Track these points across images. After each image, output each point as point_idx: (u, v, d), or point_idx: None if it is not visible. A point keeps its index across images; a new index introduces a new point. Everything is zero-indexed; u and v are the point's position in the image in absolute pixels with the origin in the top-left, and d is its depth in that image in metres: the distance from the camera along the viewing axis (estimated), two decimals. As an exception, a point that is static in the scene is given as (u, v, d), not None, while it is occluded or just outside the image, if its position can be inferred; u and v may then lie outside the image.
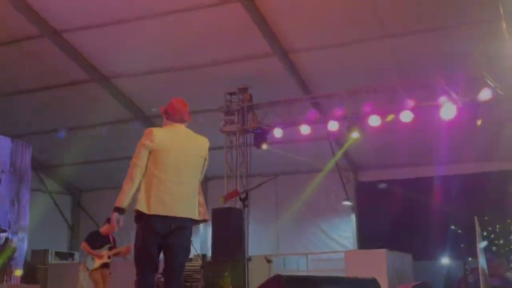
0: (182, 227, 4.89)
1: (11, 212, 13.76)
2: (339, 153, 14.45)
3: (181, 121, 5.16)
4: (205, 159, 5.21)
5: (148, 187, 4.87)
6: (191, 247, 11.64)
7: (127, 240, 14.07)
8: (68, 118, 15.05)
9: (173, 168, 4.94)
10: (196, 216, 5.01)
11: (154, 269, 4.90)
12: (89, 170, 16.97)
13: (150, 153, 4.93)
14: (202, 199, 5.14)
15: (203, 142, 5.26)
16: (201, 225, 16.49)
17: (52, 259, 15.75)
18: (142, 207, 4.80)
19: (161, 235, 4.83)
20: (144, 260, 4.86)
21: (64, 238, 17.75)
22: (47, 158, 16.99)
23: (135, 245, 4.94)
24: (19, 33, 12.46)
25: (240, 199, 6.39)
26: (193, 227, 5.13)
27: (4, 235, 13.26)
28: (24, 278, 13.58)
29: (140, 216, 4.83)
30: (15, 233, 13.71)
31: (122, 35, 12.39)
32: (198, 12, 11.55)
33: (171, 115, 5.16)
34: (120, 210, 4.80)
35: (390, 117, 11.85)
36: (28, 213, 14.25)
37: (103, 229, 9.60)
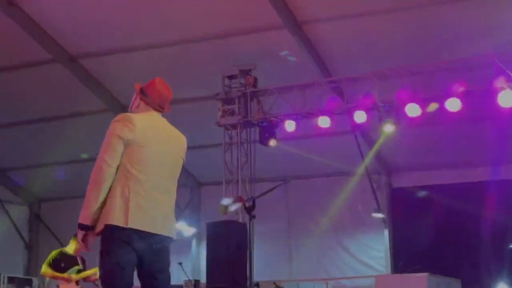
0: (163, 248, 4.83)
1: None
2: (371, 153, 14.48)
3: (160, 108, 5.00)
4: (183, 160, 5.11)
5: (124, 192, 4.60)
6: (181, 270, 11.74)
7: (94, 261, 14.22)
8: (27, 111, 15.25)
9: (157, 169, 4.77)
10: (173, 235, 4.91)
11: None
12: (51, 174, 17.06)
13: (126, 145, 4.65)
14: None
15: (184, 141, 5.11)
16: (193, 244, 16.71)
17: (4, 287, 15.82)
18: (117, 219, 4.52)
19: (138, 256, 4.64)
20: (117, 286, 4.61)
21: (19, 259, 17.92)
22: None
23: (103, 267, 4.60)
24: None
25: (245, 208, 6.30)
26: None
27: None
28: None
29: (112, 230, 4.54)
30: None
31: (97, 5, 12.56)
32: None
33: (150, 98, 4.98)
34: (86, 228, 4.58)
35: (433, 106, 11.90)
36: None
37: (70, 247, 9.68)
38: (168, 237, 4.84)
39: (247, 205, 6.20)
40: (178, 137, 5.06)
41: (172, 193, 4.93)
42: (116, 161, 4.58)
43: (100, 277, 4.67)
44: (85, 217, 4.55)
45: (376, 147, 14.31)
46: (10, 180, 17.95)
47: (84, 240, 4.58)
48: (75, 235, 9.70)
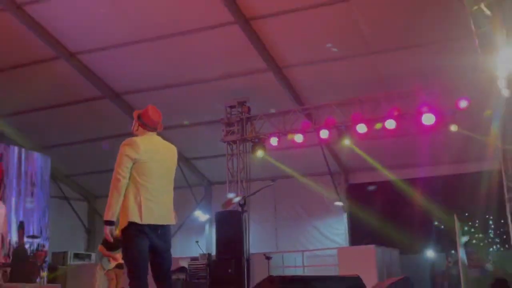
0: (166, 233, 4.81)
1: (43, 221, 13.86)
2: (330, 158, 14.47)
3: (154, 130, 4.97)
4: (176, 164, 5.09)
5: (136, 197, 4.64)
6: (198, 246, 11.67)
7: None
8: (84, 132, 15.15)
9: (158, 178, 4.78)
10: (173, 222, 4.90)
11: (145, 275, 4.67)
12: (103, 178, 16.97)
13: (135, 163, 4.68)
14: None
15: (175, 151, 5.07)
16: (207, 227, 16.68)
17: (71, 260, 15.78)
18: (135, 217, 4.59)
19: (151, 244, 4.68)
20: (142, 266, 4.64)
21: (82, 240, 17.80)
22: (65, 168, 17.06)
23: (127, 253, 4.70)
24: (38, 54, 12.60)
25: (239, 205, 6.46)
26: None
27: (36, 241, 13.42)
28: (47, 278, 13.69)
29: (130, 226, 4.60)
30: (47, 239, 13.91)
31: (132, 55, 12.52)
32: (201, 33, 11.71)
33: (145, 123, 4.94)
34: (111, 223, 4.67)
35: (378, 125, 11.98)
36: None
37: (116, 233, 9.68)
38: (169, 225, 4.87)
39: (240, 203, 6.30)
40: (171, 149, 5.04)
41: (171, 193, 4.94)
42: (127, 174, 4.65)
43: (125, 259, 4.76)
44: (109, 216, 4.64)
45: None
46: (74, 183, 17.87)
47: (111, 233, 4.67)
48: (119, 222, 9.77)
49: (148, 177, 4.70)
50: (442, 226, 18.85)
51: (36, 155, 14.29)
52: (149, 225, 4.63)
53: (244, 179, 13.34)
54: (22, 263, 12.89)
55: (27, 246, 13.40)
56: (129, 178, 4.66)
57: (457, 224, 11.64)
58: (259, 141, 13.05)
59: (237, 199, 7.47)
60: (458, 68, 10.60)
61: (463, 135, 11.70)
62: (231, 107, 13.33)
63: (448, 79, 11.20)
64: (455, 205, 14.15)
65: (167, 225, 4.80)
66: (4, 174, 13.36)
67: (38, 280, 12.93)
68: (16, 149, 13.77)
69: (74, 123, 14.73)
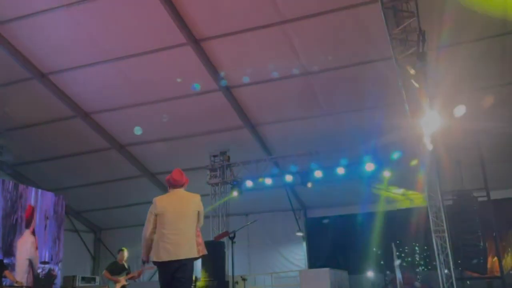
0: (184, 265, 4.95)
1: (53, 249, 13.37)
2: (291, 197, 14.40)
3: (179, 186, 5.22)
4: (199, 211, 5.24)
5: (157, 241, 4.97)
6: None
7: (137, 267, 13.76)
8: (93, 177, 14.81)
9: (171, 224, 4.97)
10: (195, 255, 5.05)
11: None
12: (107, 214, 16.62)
13: (156, 216, 5.02)
14: (200, 240, 5.16)
15: (195, 198, 5.27)
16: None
17: (79, 283, 15.14)
18: (155, 257, 4.96)
19: (170, 273, 4.92)
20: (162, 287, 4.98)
21: (88, 266, 17.18)
22: (76, 206, 16.59)
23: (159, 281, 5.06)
24: (57, 114, 12.41)
25: (230, 238, 6.42)
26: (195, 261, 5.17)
27: (47, 266, 12.84)
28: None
29: (155, 263, 4.99)
30: (56, 263, 13.37)
31: (138, 114, 12.37)
32: (192, 98, 11.70)
33: (171, 184, 5.22)
34: (144, 262, 5.20)
35: (332, 171, 12.07)
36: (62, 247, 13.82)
37: (118, 258, 9.37)
38: (187, 258, 5.00)
39: (230, 236, 6.33)
40: (191, 199, 5.24)
41: (189, 232, 5.05)
42: (152, 227, 5.03)
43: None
44: (143, 256, 5.13)
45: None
46: (83, 218, 17.34)
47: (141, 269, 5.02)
48: (119, 250, 9.46)
49: (165, 225, 4.95)
50: (379, 252, 18.85)
51: (50, 194, 13.85)
52: (167, 262, 4.89)
53: (224, 214, 13.15)
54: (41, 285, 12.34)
55: (39, 270, 12.85)
56: (156, 229, 5.01)
57: (393, 250, 11.66)
58: (237, 183, 12.98)
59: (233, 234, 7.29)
60: (392, 127, 10.83)
61: (396, 179, 11.83)
62: (214, 156, 13.30)
63: (385, 135, 11.30)
64: (390, 235, 14.13)
65: (185, 259, 4.95)
66: (34, 212, 13.00)
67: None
68: (33, 189, 13.41)
69: (85, 169, 14.43)
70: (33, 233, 12.85)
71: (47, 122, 12.59)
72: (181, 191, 5.21)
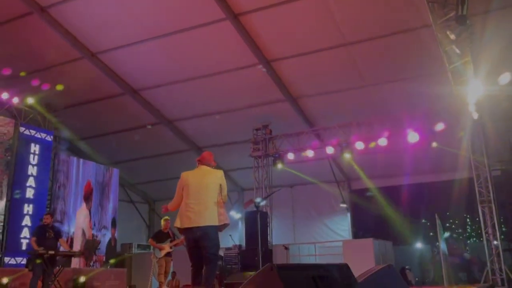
0: (205, 233, 5.09)
1: (95, 215, 13.71)
2: (336, 169, 14.20)
3: (208, 164, 5.44)
4: (220, 184, 5.34)
5: (181, 210, 5.20)
6: (231, 239, 11.63)
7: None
8: (145, 151, 15.24)
9: (194, 195, 5.18)
10: (215, 223, 5.15)
11: (195, 263, 5.14)
12: (159, 186, 17.15)
13: (183, 189, 5.26)
14: (222, 210, 5.25)
15: (218, 173, 5.40)
16: (240, 223, 16.59)
17: (135, 250, 15.84)
18: (177, 223, 5.18)
19: (193, 240, 5.10)
20: (189, 258, 5.19)
21: (144, 234, 17.82)
22: (131, 178, 17.23)
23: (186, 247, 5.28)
24: (108, 92, 12.79)
25: (255, 205, 6.46)
26: (224, 228, 5.27)
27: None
28: (116, 265, 13.72)
29: (179, 229, 5.20)
30: (98, 230, 13.70)
31: (183, 90, 12.55)
32: (234, 73, 11.71)
33: (201, 161, 5.44)
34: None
35: (372, 144, 11.79)
36: (111, 216, 14.25)
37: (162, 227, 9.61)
38: (209, 226, 5.10)
39: (256, 204, 6.37)
40: (213, 174, 5.38)
41: (208, 203, 5.16)
42: (179, 198, 5.27)
43: None
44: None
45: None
46: (139, 190, 17.96)
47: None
48: (164, 219, 9.72)
49: (188, 195, 5.18)
50: (428, 223, 18.42)
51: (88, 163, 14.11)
52: (188, 228, 5.06)
53: (267, 185, 13.21)
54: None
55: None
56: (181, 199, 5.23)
57: (438, 222, 11.30)
58: (279, 156, 12.95)
59: (259, 200, 7.45)
60: (435, 97, 10.38)
61: (440, 150, 11.38)
62: (257, 129, 13.30)
63: (428, 105, 10.97)
64: (437, 206, 13.72)
65: (206, 226, 5.07)
66: (93, 189, 13.58)
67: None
68: (93, 163, 13.98)
69: (137, 144, 14.77)
70: (89, 208, 13.44)
71: (100, 100, 13.01)
72: (205, 167, 5.40)
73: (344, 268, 3.17)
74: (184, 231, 5.13)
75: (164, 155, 15.20)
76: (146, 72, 12.08)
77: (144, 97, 13.02)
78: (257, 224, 11.50)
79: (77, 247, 12.53)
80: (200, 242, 5.08)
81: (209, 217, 5.13)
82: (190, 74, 11.95)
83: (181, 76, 12.06)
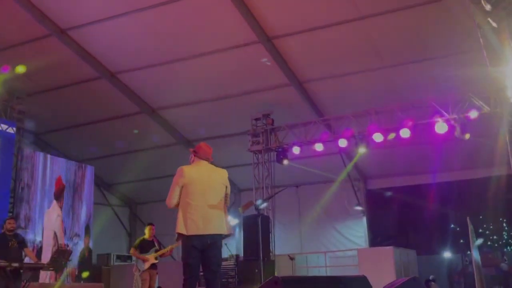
0: (214, 242, 5.11)
1: (66, 221, 13.53)
2: (349, 165, 14.26)
3: (207, 159, 5.37)
4: (226, 186, 5.38)
5: (184, 213, 5.07)
6: (227, 248, 11.65)
7: (170, 241, 14.20)
8: (124, 144, 15.19)
9: (200, 195, 5.12)
10: (224, 231, 5.22)
11: (195, 277, 5.10)
12: (142, 186, 17.10)
13: (182, 186, 5.14)
14: (227, 217, 5.36)
15: (223, 173, 5.41)
16: (237, 230, 16.58)
17: (113, 261, 15.83)
18: (182, 229, 5.03)
19: (199, 249, 5.06)
20: (188, 270, 5.06)
21: (124, 243, 17.86)
22: (108, 178, 17.20)
23: (182, 258, 5.14)
24: (81, 76, 12.68)
25: (255, 208, 6.44)
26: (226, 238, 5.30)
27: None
28: (91, 279, 13.68)
29: (181, 236, 5.06)
30: (70, 238, 13.57)
31: (165, 74, 12.50)
32: (228, 52, 11.64)
33: (199, 154, 5.36)
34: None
35: (391, 136, 11.73)
36: (84, 221, 14.18)
37: (146, 235, 9.57)
38: (218, 234, 5.17)
39: (256, 206, 6.39)
40: (219, 173, 5.39)
41: (218, 206, 5.21)
42: (175, 198, 5.15)
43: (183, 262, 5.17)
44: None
45: (352, 162, 14.05)
46: (118, 191, 17.95)
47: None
48: (148, 225, 9.69)
49: (193, 195, 5.09)
50: (458, 229, 18.44)
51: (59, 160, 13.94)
52: (195, 236, 5.01)
53: (269, 185, 13.18)
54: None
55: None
56: (181, 199, 5.12)
57: (470, 227, 11.25)
58: (283, 150, 12.90)
59: (259, 202, 7.42)
60: (468, 79, 10.31)
61: (473, 142, 11.33)
62: (256, 119, 13.24)
63: (459, 90, 10.91)
64: (469, 209, 13.70)
65: (215, 234, 5.11)
66: (64, 187, 13.51)
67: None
68: (63, 160, 13.93)
69: (115, 137, 14.80)
70: (61, 206, 13.40)
71: (71, 85, 12.93)
72: (207, 164, 5.38)
73: (361, 282, 3.12)
74: (190, 238, 5.04)
75: (147, 150, 15.15)
76: (125, 52, 12.02)
77: (123, 82, 12.95)
78: (257, 231, 11.42)
79: (47, 256, 12.45)
80: (207, 252, 5.06)
81: (218, 224, 5.16)
82: (177, 54, 11.88)
83: (166, 56, 11.99)
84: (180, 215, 5.08)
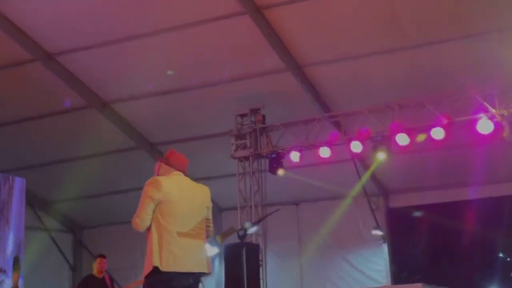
0: (196, 282, 5.26)
1: None
2: (365, 176, 14.33)
3: (182, 170, 5.47)
4: (208, 207, 5.50)
5: (160, 241, 5.07)
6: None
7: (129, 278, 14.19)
8: (65, 149, 15.18)
9: (181, 219, 5.17)
10: (206, 270, 5.30)
11: None
12: (90, 205, 17.04)
13: (158, 202, 5.15)
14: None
15: (206, 191, 5.57)
16: (216, 263, 16.58)
17: (52, 307, 15.78)
18: (156, 261, 5.01)
19: None
20: None
21: (65, 281, 17.79)
22: (44, 193, 17.15)
23: None
24: (9, 58, 12.65)
25: (238, 236, 6.47)
26: None
27: None
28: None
29: (154, 270, 5.02)
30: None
31: (120, 56, 12.54)
32: (202, 28, 11.67)
33: (171, 163, 5.46)
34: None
35: (421, 137, 11.81)
36: (12, 252, 13.99)
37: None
38: (199, 273, 5.26)
39: (240, 234, 6.43)
40: (201, 190, 5.54)
41: (201, 236, 5.29)
42: (148, 217, 5.11)
43: None
44: None
45: (370, 171, 14.16)
46: (58, 212, 17.87)
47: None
48: (99, 256, 9.69)
49: (171, 218, 5.13)
50: (508, 259, 18.56)
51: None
52: (174, 273, 5.02)
53: (259, 203, 13.24)
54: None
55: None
56: (153, 220, 5.13)
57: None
58: (277, 156, 12.94)
59: (247, 226, 7.43)
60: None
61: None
62: (241, 115, 13.29)
63: (509, 76, 11.00)
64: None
65: (198, 273, 5.21)
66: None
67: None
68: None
69: (54, 139, 14.85)
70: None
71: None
72: (185, 177, 5.49)
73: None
74: (166, 276, 5.02)
75: (97, 157, 15.15)
76: (66, 28, 11.99)
77: (64, 65, 12.92)
78: (242, 264, 11.58)
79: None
80: None
81: (203, 260, 5.25)
82: (136, 28, 11.88)
83: (121, 32, 11.97)
84: (153, 242, 5.05)
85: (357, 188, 14.62)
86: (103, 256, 9.86)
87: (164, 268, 4.97)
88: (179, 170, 5.44)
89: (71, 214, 18.02)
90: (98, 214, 17.55)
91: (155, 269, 4.97)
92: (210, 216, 5.51)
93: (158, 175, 5.46)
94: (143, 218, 5.10)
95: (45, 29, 12.09)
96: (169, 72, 12.50)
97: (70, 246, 18.31)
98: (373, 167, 13.85)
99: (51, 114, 14.11)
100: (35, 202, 17.06)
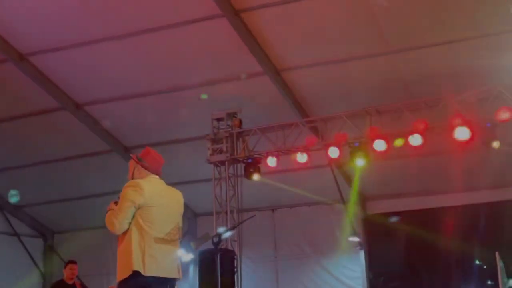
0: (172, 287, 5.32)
1: None
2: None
3: (158, 173, 5.47)
4: (181, 214, 5.56)
5: (140, 244, 5.07)
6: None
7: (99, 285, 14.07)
8: (36, 151, 15.07)
9: (160, 224, 5.21)
10: (179, 275, 5.39)
11: None
12: (62, 209, 16.90)
13: (138, 207, 5.14)
14: None
15: (180, 196, 5.59)
16: (191, 269, 16.56)
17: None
18: (137, 266, 4.99)
19: None
20: None
21: (35, 287, 17.61)
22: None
23: None
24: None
25: (213, 244, 6.46)
26: None
27: None
28: None
29: (133, 274, 5.00)
30: None
31: (94, 57, 12.48)
32: (179, 30, 11.67)
33: (148, 164, 5.42)
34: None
35: (398, 143, 11.88)
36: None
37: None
38: (175, 278, 5.35)
39: (214, 240, 6.43)
40: (177, 194, 5.57)
41: (175, 242, 5.35)
42: (126, 221, 5.08)
43: None
44: None
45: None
46: (27, 216, 17.74)
47: None
48: (69, 262, 9.60)
49: (153, 224, 5.15)
50: (485, 266, 18.72)
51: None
52: (154, 278, 5.04)
53: (234, 209, 13.22)
54: None
55: None
56: (133, 224, 5.11)
57: (499, 264, 11.48)
58: (253, 161, 12.96)
59: (221, 231, 7.45)
60: (500, 70, 10.50)
61: (505, 153, 11.54)
62: (218, 119, 13.25)
63: (487, 83, 11.10)
64: (499, 241, 13.93)
65: (172, 278, 5.27)
66: None
67: None
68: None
69: (25, 142, 14.69)
70: None
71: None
72: (162, 181, 5.51)
73: None
74: (147, 280, 5.04)
75: (70, 160, 15.06)
76: (39, 28, 11.92)
77: (36, 66, 12.81)
78: (216, 271, 11.53)
79: None
80: None
81: (176, 265, 5.31)
82: (111, 30, 11.85)
83: (96, 34, 11.92)
84: (133, 245, 5.04)
85: (335, 194, 14.65)
86: (73, 262, 9.77)
87: (147, 272, 4.98)
88: (154, 172, 5.42)
89: (41, 218, 17.88)
90: (69, 219, 17.39)
91: (135, 273, 4.97)
92: (181, 223, 5.52)
93: (133, 176, 5.43)
94: (122, 222, 5.06)
95: (17, 28, 12.00)
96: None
97: (41, 251, 18.17)
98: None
99: (23, 116, 14.01)
100: (5, 206, 16.92)
